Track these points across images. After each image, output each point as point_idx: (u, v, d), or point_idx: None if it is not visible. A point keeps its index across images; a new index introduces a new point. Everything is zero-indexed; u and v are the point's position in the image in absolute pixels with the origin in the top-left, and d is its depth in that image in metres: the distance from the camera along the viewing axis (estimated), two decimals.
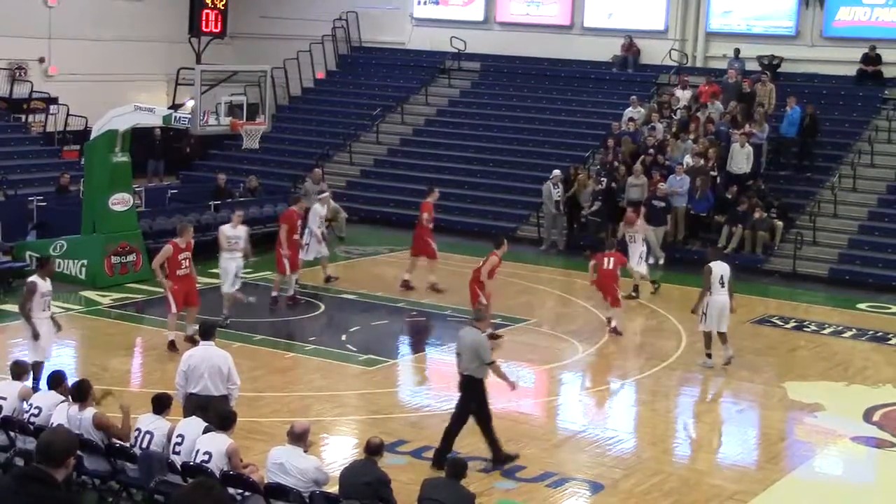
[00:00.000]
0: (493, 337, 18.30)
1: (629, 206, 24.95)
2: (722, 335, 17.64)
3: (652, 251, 24.87)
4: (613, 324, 19.35)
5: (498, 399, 16.43)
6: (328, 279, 22.07)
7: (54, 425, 10.98)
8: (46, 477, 6.21)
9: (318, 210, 21.90)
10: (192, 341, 16.50)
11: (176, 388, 12.54)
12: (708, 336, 17.61)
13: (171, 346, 16.97)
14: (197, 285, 18.02)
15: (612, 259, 19.59)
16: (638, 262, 21.61)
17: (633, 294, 21.73)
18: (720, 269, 17.59)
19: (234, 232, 18.93)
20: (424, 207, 22.02)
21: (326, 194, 23.11)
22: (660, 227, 24.86)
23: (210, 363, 12.40)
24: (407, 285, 21.65)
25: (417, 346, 19.34)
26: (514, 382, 13.68)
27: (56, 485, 6.23)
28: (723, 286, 17.50)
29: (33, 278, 14.89)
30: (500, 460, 13.19)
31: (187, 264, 17.52)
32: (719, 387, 17.27)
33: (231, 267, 18.76)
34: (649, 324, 20.53)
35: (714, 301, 17.42)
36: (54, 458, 6.26)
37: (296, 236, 20.65)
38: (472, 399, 13.09)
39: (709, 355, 17.63)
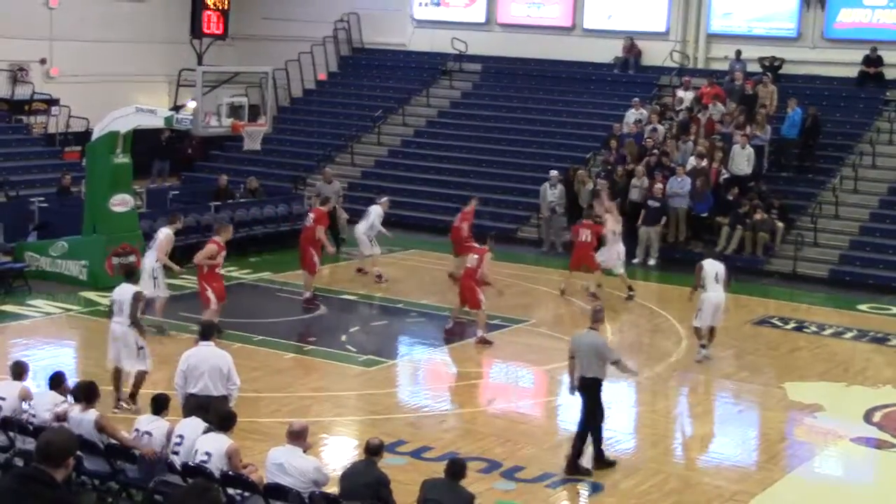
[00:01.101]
0: (483, 342, 18.48)
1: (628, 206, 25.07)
2: (712, 331, 17.71)
3: (650, 251, 25.02)
4: (593, 288, 21.12)
5: (498, 400, 16.53)
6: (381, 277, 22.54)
7: (54, 426, 11.00)
8: (46, 477, 6.23)
9: (379, 211, 22.69)
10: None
11: (175, 389, 12.56)
12: (699, 331, 17.70)
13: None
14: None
15: (588, 231, 21.15)
16: (617, 263, 21.79)
17: (631, 293, 21.77)
18: (713, 266, 17.70)
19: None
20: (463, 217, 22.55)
21: (385, 199, 23.52)
22: (651, 226, 24.97)
23: (210, 363, 12.41)
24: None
25: (417, 347, 19.36)
26: (637, 372, 15.35)
27: (56, 485, 6.25)
28: (717, 283, 17.55)
29: (137, 288, 14.78)
30: (573, 467, 13.19)
31: (221, 262, 17.75)
32: (719, 387, 17.27)
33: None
34: (649, 324, 20.54)
35: (709, 297, 17.50)
36: (54, 459, 6.27)
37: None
38: (591, 399, 13.19)
39: (703, 346, 17.70)
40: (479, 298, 18.48)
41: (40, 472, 6.26)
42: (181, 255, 19.30)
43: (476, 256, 18.73)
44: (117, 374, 14.62)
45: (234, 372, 12.51)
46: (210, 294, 17.50)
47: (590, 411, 13.24)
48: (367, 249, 22.70)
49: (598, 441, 13.34)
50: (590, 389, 13.21)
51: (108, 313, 14.98)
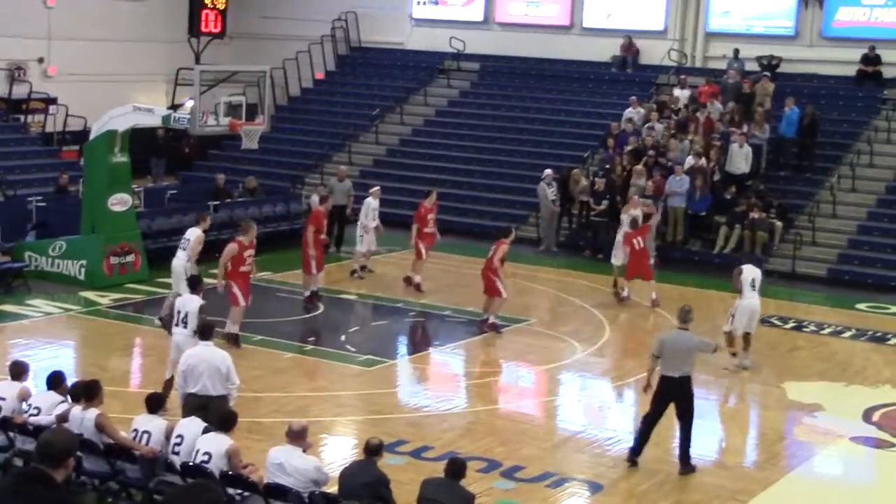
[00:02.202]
0: (493, 328, 18.78)
1: None
2: (747, 337, 17.56)
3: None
4: (654, 295, 20.83)
5: (498, 399, 16.53)
6: (355, 272, 22.54)
7: (54, 426, 10.98)
8: (46, 477, 6.21)
9: (372, 203, 22.71)
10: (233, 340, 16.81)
11: (176, 389, 12.52)
12: (730, 337, 17.50)
13: (236, 341, 16.88)
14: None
15: (639, 238, 21.12)
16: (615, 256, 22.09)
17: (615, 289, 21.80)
18: (751, 272, 17.58)
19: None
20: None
21: (377, 188, 23.51)
22: None
23: (209, 363, 12.40)
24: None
25: (417, 347, 19.36)
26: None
27: (56, 485, 6.22)
28: (754, 289, 17.46)
29: (201, 300, 14.45)
30: (686, 465, 13.38)
31: (250, 262, 17.52)
32: (719, 387, 17.23)
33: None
34: (648, 323, 20.52)
35: (745, 304, 17.38)
36: (54, 459, 6.25)
37: (323, 236, 20.88)
38: (687, 398, 13.41)
39: (734, 354, 17.52)
40: (498, 287, 18.86)
41: (40, 473, 6.23)
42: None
43: (494, 247, 19.10)
44: (169, 384, 14.37)
45: (234, 372, 12.51)
46: (237, 291, 17.20)
47: (687, 409, 13.39)
48: (359, 246, 22.68)
49: (685, 442, 13.46)
50: (684, 388, 13.34)
51: (164, 324, 14.73)
